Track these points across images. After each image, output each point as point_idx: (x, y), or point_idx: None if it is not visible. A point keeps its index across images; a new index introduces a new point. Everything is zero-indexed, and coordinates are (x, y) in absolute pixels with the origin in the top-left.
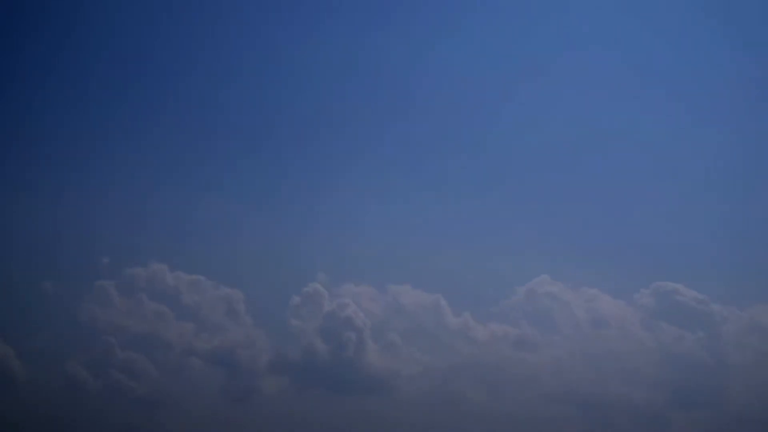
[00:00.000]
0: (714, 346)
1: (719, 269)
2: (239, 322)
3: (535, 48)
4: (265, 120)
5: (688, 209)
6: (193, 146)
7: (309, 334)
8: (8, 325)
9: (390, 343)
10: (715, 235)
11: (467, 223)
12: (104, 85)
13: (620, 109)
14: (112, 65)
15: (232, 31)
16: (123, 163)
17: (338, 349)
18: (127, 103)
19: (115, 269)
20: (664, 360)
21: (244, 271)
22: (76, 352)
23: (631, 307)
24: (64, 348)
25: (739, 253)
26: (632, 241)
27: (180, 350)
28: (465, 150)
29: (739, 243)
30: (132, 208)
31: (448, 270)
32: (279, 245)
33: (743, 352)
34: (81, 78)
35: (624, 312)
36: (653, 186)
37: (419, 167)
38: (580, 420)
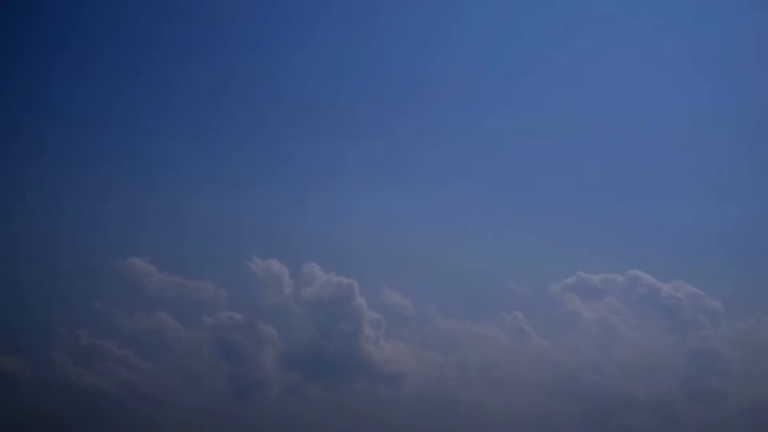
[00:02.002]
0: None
1: (719, 267)
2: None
3: (533, 43)
4: (258, 117)
5: (685, 208)
6: (187, 144)
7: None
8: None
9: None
10: (718, 233)
11: (467, 222)
12: (100, 83)
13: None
14: (109, 63)
15: (228, 26)
16: (119, 161)
17: (333, 340)
18: (122, 98)
19: (110, 266)
20: (661, 355)
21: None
22: (74, 350)
23: (623, 302)
24: (60, 345)
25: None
26: (622, 237)
27: (176, 344)
28: (456, 147)
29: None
30: (131, 205)
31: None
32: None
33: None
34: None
35: (617, 307)
36: (644, 183)
37: (411, 165)
38: (581, 417)
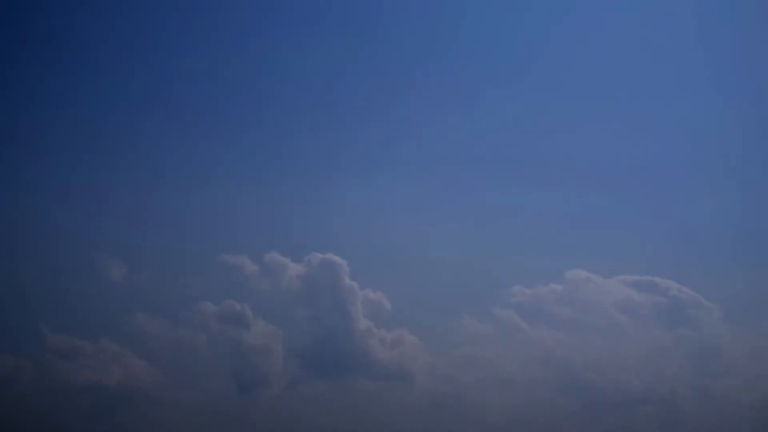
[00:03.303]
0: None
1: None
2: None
3: (531, 35)
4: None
5: (685, 206)
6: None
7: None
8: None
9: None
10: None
11: (461, 218)
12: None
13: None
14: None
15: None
16: (120, 161)
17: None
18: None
19: (100, 264)
20: (660, 352)
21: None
22: (71, 348)
23: (622, 300)
24: (56, 343)
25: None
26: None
27: (172, 341)
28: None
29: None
30: (133, 204)
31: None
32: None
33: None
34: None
35: (617, 305)
36: (648, 179)
37: (403, 161)
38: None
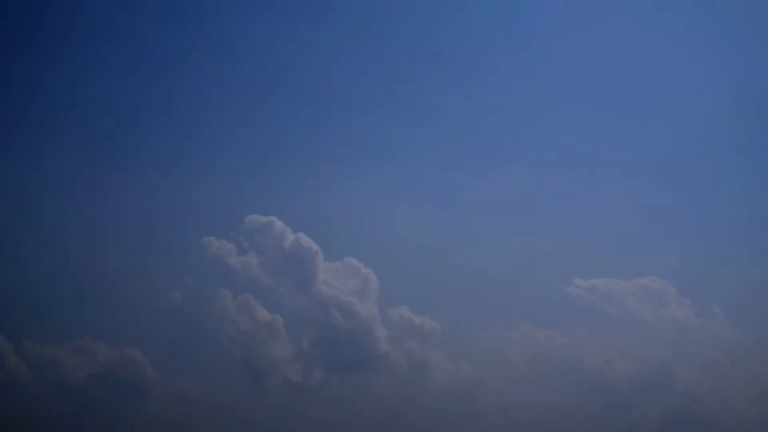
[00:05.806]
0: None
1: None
2: None
3: (530, 24)
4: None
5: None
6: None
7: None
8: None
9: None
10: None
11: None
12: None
13: None
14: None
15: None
16: (125, 158)
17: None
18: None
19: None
20: (660, 351)
21: None
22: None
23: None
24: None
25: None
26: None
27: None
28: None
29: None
30: (136, 202)
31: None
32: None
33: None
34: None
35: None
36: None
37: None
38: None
